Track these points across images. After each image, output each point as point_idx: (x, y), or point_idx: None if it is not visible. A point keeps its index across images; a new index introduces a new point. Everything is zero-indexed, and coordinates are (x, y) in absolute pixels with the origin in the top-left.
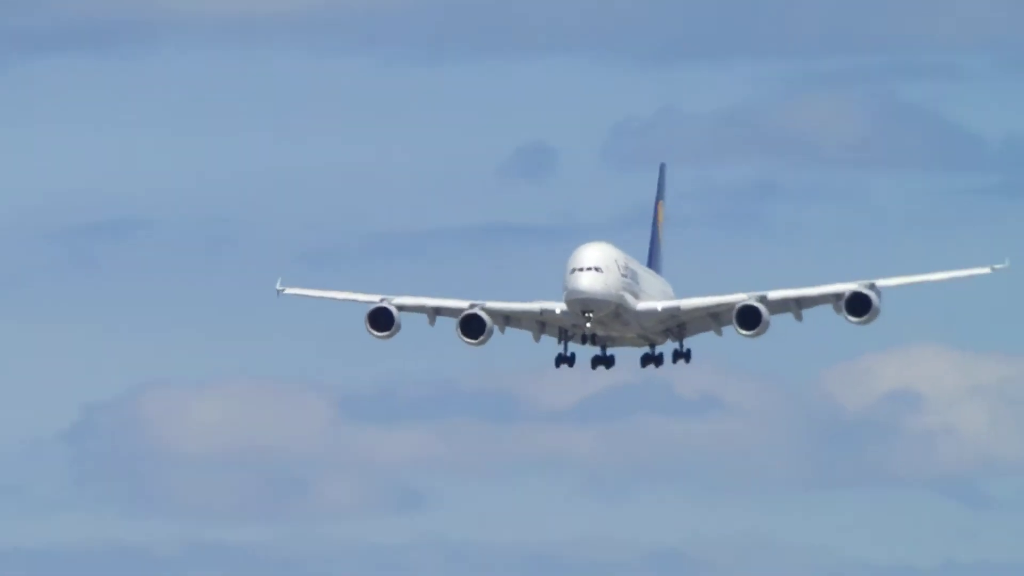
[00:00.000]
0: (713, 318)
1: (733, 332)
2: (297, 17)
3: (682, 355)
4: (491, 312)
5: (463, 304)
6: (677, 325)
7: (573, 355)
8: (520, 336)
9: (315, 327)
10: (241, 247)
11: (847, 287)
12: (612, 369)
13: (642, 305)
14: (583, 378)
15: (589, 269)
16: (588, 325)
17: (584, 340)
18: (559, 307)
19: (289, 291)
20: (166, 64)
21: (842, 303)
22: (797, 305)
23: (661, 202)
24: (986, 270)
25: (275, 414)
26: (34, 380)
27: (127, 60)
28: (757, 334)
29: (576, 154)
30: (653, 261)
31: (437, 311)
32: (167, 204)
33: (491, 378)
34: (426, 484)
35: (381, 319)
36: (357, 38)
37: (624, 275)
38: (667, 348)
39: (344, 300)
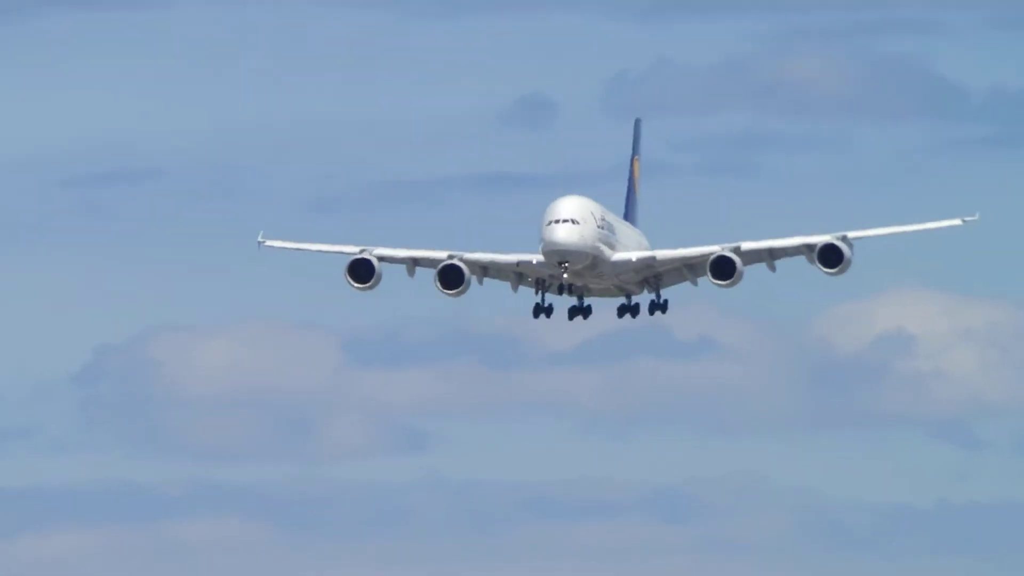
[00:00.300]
0: (688, 269)
1: (708, 283)
2: None
3: (658, 306)
4: (469, 263)
5: (441, 255)
6: (653, 276)
7: (551, 305)
8: (498, 287)
9: (318, 273)
10: (250, 196)
11: (820, 239)
12: (590, 319)
13: (618, 256)
14: (576, 324)
15: (565, 221)
16: (565, 276)
17: (561, 291)
18: (536, 258)
19: (270, 243)
20: (178, 15)
21: (815, 254)
22: (770, 256)
23: (636, 157)
24: (957, 222)
25: (278, 357)
26: (48, 324)
27: (139, 11)
28: (731, 284)
29: (573, 105)
30: (629, 215)
31: (416, 262)
32: (178, 154)
33: (488, 322)
34: (429, 426)
35: (361, 270)
36: None
37: (600, 227)
38: (644, 299)
39: (325, 252)
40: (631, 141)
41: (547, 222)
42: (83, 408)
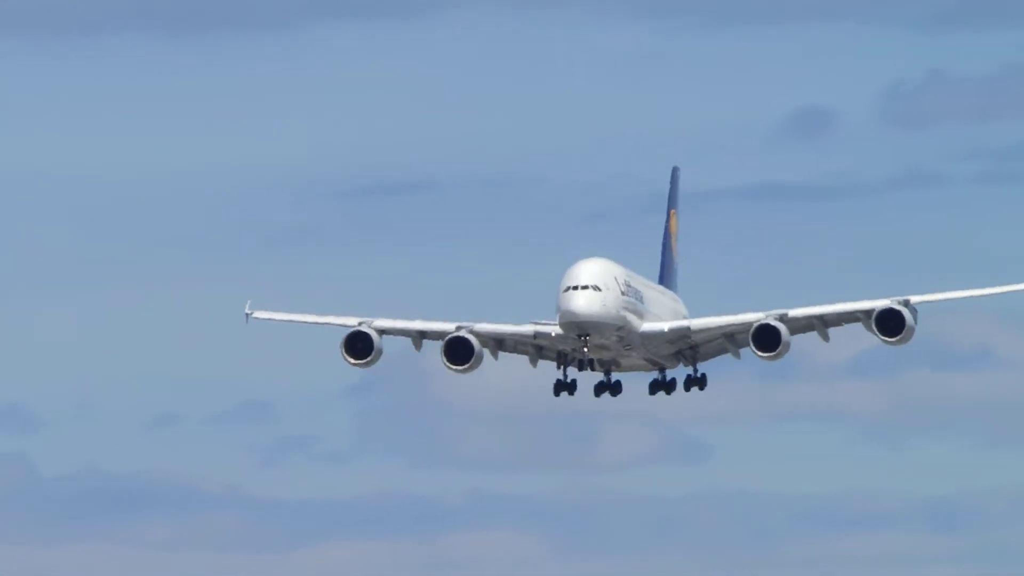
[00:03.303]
0: (729, 339)
1: (751, 355)
2: None
3: (696, 381)
4: (480, 335)
5: (449, 327)
6: (689, 348)
7: (574, 381)
8: (516, 360)
9: None
10: (523, 206)
11: (878, 304)
12: (619, 397)
13: (647, 326)
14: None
15: (585, 288)
16: (586, 350)
17: (582, 366)
18: (555, 330)
19: (258, 315)
20: (449, 30)
21: (872, 321)
22: (822, 323)
23: (673, 211)
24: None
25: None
26: (323, 333)
27: (412, 19)
28: (776, 357)
29: (848, 116)
30: (665, 276)
31: (422, 335)
32: (452, 165)
33: None
34: (704, 438)
35: (359, 345)
36: (637, 8)
37: (625, 293)
38: (679, 373)
39: (319, 324)
40: (667, 192)
41: (564, 288)
42: (357, 420)
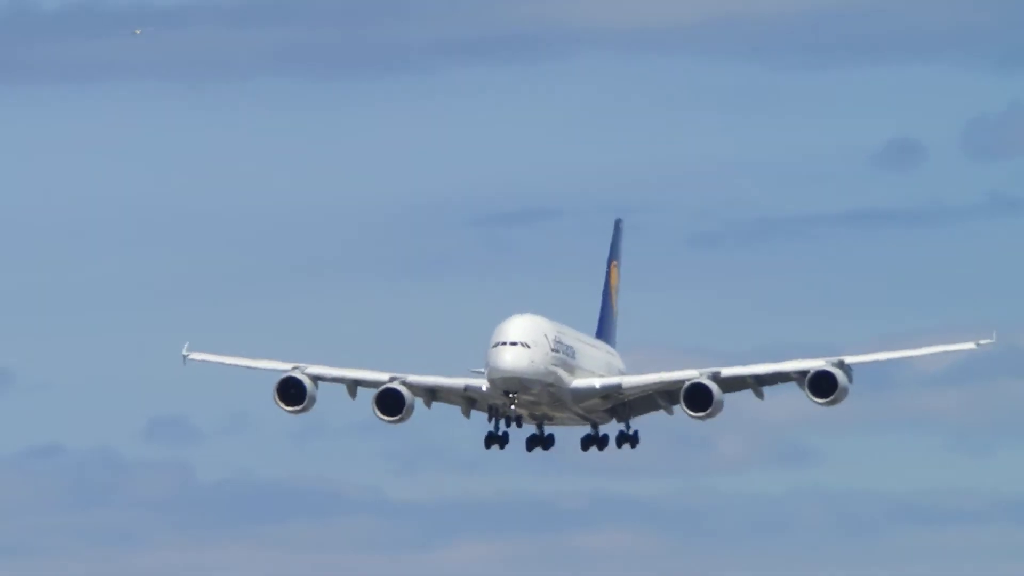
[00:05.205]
0: (663, 396)
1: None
2: (689, 28)
3: (628, 438)
4: (413, 387)
5: (382, 377)
6: (621, 404)
7: (506, 434)
8: (449, 411)
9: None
10: (640, 232)
11: (812, 364)
12: (551, 451)
13: (578, 382)
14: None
15: (513, 344)
16: (513, 407)
17: (509, 423)
18: (486, 383)
19: (194, 356)
20: (571, 69)
21: (805, 382)
22: (757, 382)
23: (615, 263)
24: (970, 345)
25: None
26: (452, 354)
27: (533, 62)
28: (708, 416)
29: (935, 147)
30: (604, 330)
31: (357, 383)
32: (573, 193)
33: None
34: (806, 440)
35: (292, 391)
36: (742, 46)
37: (555, 350)
38: (612, 429)
39: (253, 368)
40: (609, 244)
41: (492, 344)
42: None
